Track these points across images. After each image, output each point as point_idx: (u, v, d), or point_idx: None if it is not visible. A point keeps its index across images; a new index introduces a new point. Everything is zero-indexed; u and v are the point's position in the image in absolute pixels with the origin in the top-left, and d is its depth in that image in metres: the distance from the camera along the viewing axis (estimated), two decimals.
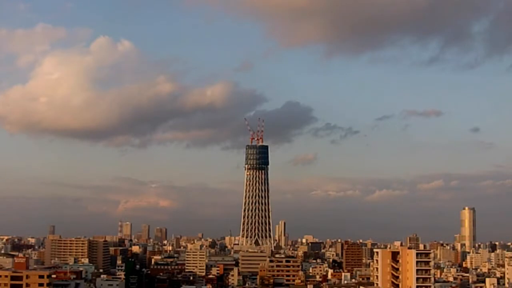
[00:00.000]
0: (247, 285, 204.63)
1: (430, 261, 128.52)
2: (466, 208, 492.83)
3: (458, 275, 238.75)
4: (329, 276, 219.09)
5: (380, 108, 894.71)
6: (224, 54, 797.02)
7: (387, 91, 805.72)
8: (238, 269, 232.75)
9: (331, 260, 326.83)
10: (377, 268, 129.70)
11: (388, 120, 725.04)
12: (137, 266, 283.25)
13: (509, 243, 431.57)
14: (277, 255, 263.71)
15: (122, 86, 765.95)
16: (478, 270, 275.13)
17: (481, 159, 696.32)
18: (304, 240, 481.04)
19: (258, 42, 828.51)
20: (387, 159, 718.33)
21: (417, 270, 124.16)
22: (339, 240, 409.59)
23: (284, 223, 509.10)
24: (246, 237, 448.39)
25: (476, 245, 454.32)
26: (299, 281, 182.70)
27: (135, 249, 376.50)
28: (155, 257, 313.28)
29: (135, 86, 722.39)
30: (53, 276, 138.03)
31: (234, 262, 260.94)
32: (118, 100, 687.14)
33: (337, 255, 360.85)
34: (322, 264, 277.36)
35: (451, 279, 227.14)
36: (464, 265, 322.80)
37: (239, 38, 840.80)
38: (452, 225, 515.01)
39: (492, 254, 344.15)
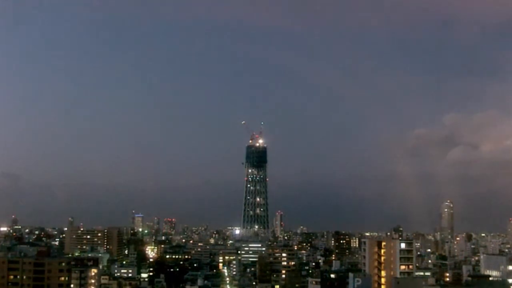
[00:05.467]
0: (247, 271, 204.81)
1: (412, 250, 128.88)
2: (445, 201, 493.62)
3: (437, 262, 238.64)
4: (321, 263, 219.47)
5: None
6: None
7: None
8: (239, 257, 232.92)
9: (323, 248, 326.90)
10: (364, 256, 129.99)
11: None
12: (148, 254, 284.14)
13: (483, 234, 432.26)
14: (274, 244, 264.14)
15: None
16: (456, 258, 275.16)
17: None
18: (298, 231, 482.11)
19: None
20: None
21: (401, 258, 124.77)
22: (330, 231, 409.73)
23: (281, 215, 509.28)
24: (246, 228, 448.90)
25: (454, 235, 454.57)
26: (294, 268, 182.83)
27: (146, 239, 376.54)
28: (164, 246, 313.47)
29: None
30: (72, 263, 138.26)
31: (235, 251, 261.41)
32: None
33: (328, 244, 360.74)
34: (315, 253, 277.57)
35: (431, 266, 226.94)
36: (443, 254, 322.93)
37: None
38: (433, 217, 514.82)
39: (468, 243, 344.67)
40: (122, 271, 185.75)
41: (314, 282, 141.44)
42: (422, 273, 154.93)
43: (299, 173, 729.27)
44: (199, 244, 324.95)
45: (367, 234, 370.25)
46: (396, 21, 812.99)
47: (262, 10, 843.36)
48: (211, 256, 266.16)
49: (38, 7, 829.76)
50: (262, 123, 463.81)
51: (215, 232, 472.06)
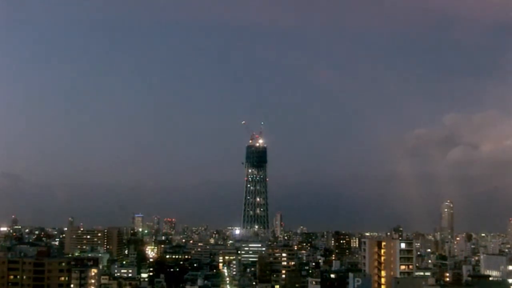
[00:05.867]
0: (247, 271, 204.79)
1: (412, 250, 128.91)
2: (445, 201, 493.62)
3: (437, 262, 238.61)
4: (321, 263, 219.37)
5: None
6: None
7: None
8: (239, 257, 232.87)
9: (323, 248, 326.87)
10: (364, 256, 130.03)
11: None
12: (148, 254, 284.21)
13: (483, 234, 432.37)
14: (274, 244, 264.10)
15: None
16: (456, 258, 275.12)
17: None
18: (298, 231, 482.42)
19: None
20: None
21: (401, 258, 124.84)
22: (330, 231, 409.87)
23: (281, 215, 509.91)
24: (246, 228, 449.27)
25: (454, 235, 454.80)
26: (294, 268, 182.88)
27: (146, 239, 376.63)
28: (164, 246, 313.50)
29: None
30: (72, 263, 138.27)
31: (235, 251, 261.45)
32: None
33: (328, 244, 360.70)
34: (315, 253, 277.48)
35: (431, 266, 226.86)
36: (443, 254, 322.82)
37: None
38: (433, 217, 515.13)
39: (468, 243, 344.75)
40: (122, 271, 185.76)
41: (314, 282, 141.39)
42: (422, 273, 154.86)
43: (299, 173, 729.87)
44: (199, 244, 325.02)
45: (367, 234, 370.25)
46: (396, 21, 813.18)
47: (262, 10, 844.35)
48: (211, 256, 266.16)
49: (38, 7, 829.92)
50: (262, 123, 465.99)
51: (215, 232, 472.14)
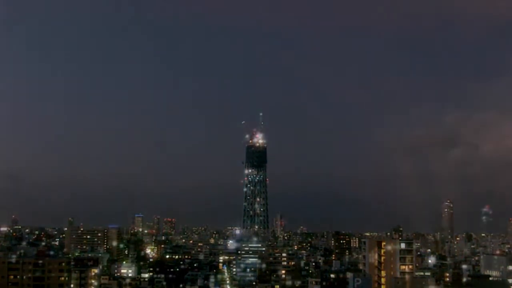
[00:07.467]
0: (247, 271, 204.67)
1: (412, 250, 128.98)
2: (445, 201, 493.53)
3: (437, 262, 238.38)
4: (321, 263, 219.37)
5: None
6: None
7: None
8: (240, 258, 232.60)
9: (323, 248, 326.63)
10: (364, 256, 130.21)
11: None
12: (148, 254, 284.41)
13: (483, 234, 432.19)
14: (274, 244, 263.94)
15: None
16: (456, 258, 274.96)
17: None
18: (298, 231, 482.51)
19: None
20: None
21: (400, 257, 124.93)
22: (330, 231, 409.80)
23: (281, 216, 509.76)
24: (246, 228, 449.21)
25: (454, 235, 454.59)
26: (294, 268, 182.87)
27: (146, 239, 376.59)
28: (164, 246, 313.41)
29: None
30: (72, 263, 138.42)
31: (235, 251, 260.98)
32: None
33: (328, 244, 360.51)
34: (315, 253, 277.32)
35: (431, 266, 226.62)
36: (443, 254, 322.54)
37: None
38: (433, 217, 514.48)
39: (468, 243, 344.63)
40: (122, 271, 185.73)
41: (314, 282, 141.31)
42: (422, 273, 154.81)
43: (299, 173, 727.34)
44: (199, 244, 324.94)
45: (367, 234, 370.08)
46: (396, 21, 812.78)
47: (262, 10, 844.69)
48: (211, 256, 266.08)
49: (40, 7, 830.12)
50: (262, 123, 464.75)
51: (215, 232, 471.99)
